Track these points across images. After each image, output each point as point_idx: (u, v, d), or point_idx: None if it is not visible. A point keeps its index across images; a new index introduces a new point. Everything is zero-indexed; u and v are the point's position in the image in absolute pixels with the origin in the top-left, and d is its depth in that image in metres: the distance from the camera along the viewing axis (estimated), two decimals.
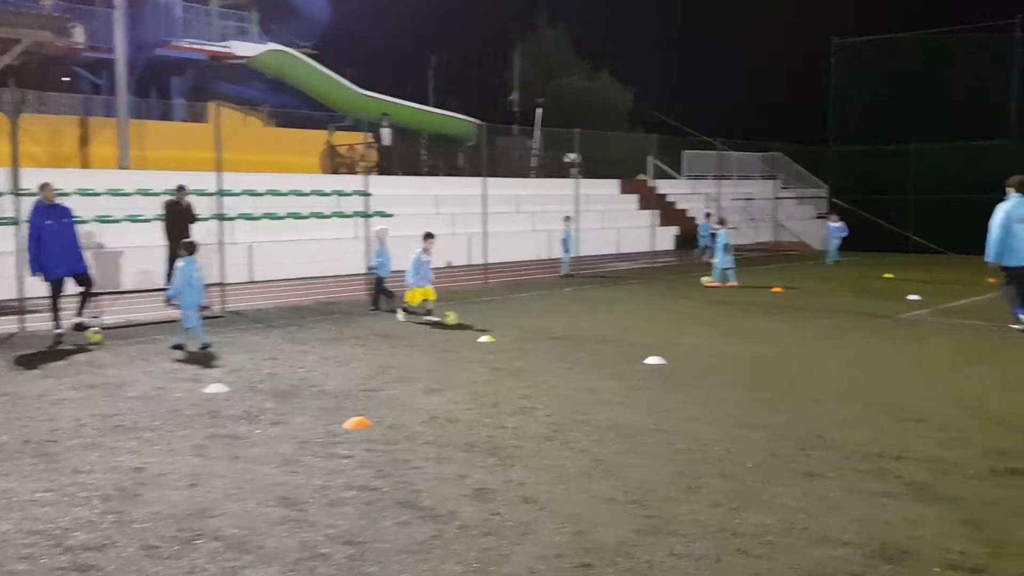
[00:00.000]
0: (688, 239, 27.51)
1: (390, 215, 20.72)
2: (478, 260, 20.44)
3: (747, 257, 25.34)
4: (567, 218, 20.75)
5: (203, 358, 9.93)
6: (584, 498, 5.32)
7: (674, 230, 28.48)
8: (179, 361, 9.83)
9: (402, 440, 6.58)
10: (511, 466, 5.95)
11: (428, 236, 13.14)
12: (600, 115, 33.99)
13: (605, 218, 26.80)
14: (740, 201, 31.60)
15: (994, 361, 9.69)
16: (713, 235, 19.79)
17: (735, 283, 17.41)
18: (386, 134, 23.71)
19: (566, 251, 20.11)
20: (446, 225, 21.65)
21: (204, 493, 5.47)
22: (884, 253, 25.86)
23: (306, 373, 9.09)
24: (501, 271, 19.73)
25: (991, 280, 17.39)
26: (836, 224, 24.56)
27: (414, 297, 12.93)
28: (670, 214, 29.24)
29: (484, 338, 11.01)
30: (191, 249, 10.53)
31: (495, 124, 31.59)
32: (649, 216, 28.21)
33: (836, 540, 4.65)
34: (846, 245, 24.34)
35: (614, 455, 6.19)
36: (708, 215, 25.28)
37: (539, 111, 31.42)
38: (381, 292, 14.06)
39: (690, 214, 29.64)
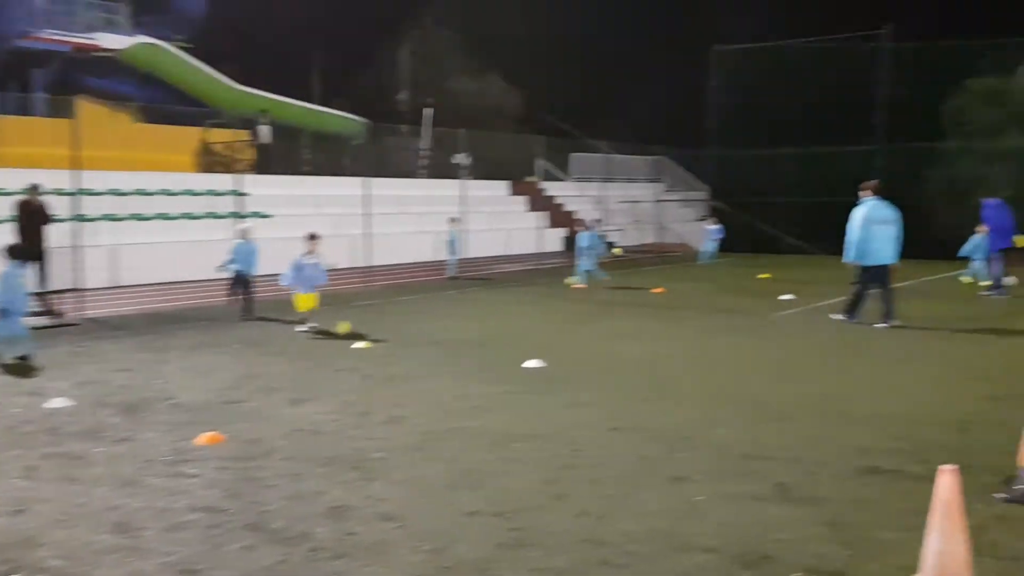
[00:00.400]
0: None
1: (268, 216, 20.03)
2: (362, 263, 19.98)
3: (631, 259, 25.70)
4: (453, 219, 20.49)
5: (48, 370, 9.19)
6: (447, 512, 5.07)
7: (562, 232, 28.59)
8: (18, 374, 9.06)
9: (258, 456, 6.18)
10: (372, 480, 5.64)
11: (311, 237, 12.40)
12: (489, 116, 33.85)
13: (493, 219, 26.66)
14: (625, 204, 32.04)
15: (860, 359, 9.95)
16: (611, 243, 20.05)
17: (606, 278, 17.86)
18: (265, 131, 22.88)
19: (452, 253, 19.86)
20: (329, 226, 21.00)
21: (29, 520, 4.96)
22: (761, 254, 26.64)
23: (162, 385, 8.52)
24: (385, 274, 19.30)
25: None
26: (713, 227, 25.37)
27: (304, 303, 12.05)
28: (558, 216, 29.36)
29: (359, 344, 10.63)
30: (18, 254, 9.71)
31: (383, 123, 31.12)
32: (537, 218, 28.31)
33: (698, 547, 4.55)
34: (725, 246, 25.04)
35: (482, 464, 5.96)
36: (598, 221, 25.42)
37: (427, 111, 31.01)
38: (240, 295, 13.30)
39: (577, 216, 29.84)
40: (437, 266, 21.27)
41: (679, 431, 6.76)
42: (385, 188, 25.74)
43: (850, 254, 11.91)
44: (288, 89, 29.40)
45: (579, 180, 32.81)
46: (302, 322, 11.92)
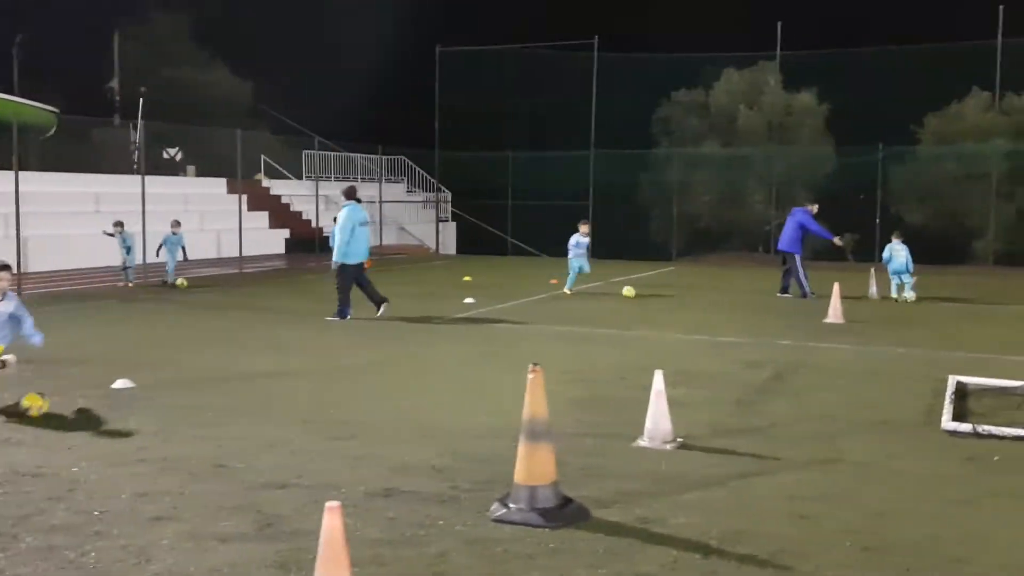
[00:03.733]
0: (302, 242, 26.64)
1: None
2: (32, 267, 17.94)
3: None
4: (175, 223, 18.74)
5: None
6: None
7: (284, 233, 27.41)
8: None
9: None
10: None
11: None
12: (217, 109, 31.90)
13: (206, 219, 25.03)
14: (364, 204, 31.34)
15: (486, 366, 9.80)
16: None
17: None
18: None
19: (130, 257, 18.13)
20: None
21: None
22: (487, 256, 26.91)
23: None
24: (51, 280, 17.40)
25: (553, 281, 18.50)
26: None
27: None
28: (281, 216, 28.11)
29: None
30: None
31: (90, 116, 28.42)
32: (256, 218, 26.88)
33: None
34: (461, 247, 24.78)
35: None
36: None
37: (141, 100, 28.69)
38: None
39: (306, 216, 28.75)
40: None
41: (216, 458, 6.10)
42: (78, 185, 23.51)
43: (337, 255, 12.71)
44: None
45: (312, 179, 31.71)
46: None
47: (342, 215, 12.82)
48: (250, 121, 34.45)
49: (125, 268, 17.98)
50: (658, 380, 6.51)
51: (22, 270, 16.39)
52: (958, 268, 23.20)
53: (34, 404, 7.14)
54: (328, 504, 3.57)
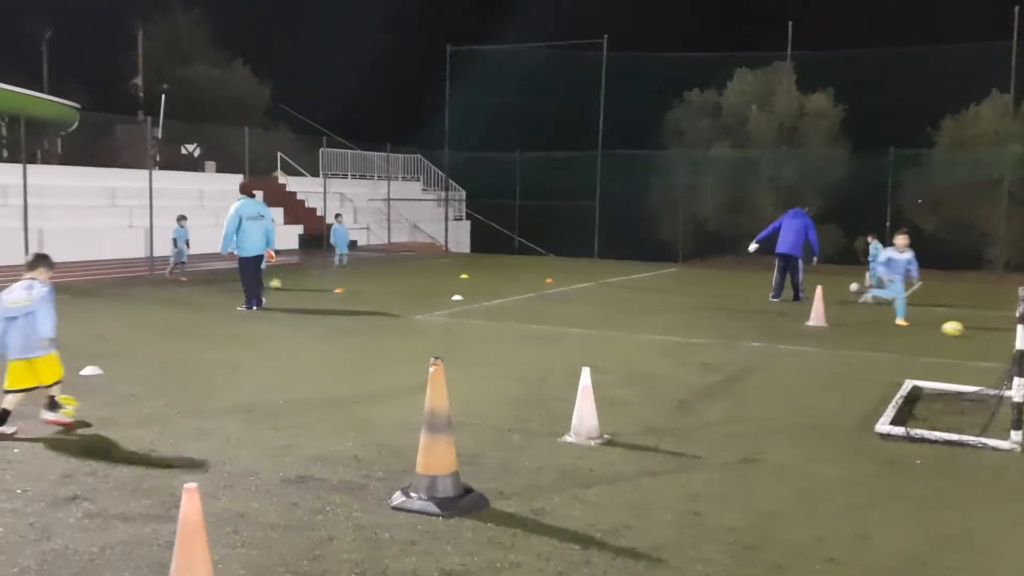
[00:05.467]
0: (315, 237, 26.98)
1: None
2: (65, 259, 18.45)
3: (359, 258, 25.30)
4: (181, 217, 19.15)
5: None
6: None
7: (298, 228, 27.79)
8: None
9: None
10: None
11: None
12: (233, 108, 32.43)
13: (221, 215, 25.42)
14: (377, 202, 31.64)
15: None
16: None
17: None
18: None
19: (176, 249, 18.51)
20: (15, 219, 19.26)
21: None
22: (497, 255, 27.08)
23: None
24: (59, 271, 17.81)
25: (549, 280, 18.61)
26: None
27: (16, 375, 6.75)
28: (295, 212, 28.51)
29: None
30: None
31: (111, 112, 29.02)
32: (272, 214, 27.23)
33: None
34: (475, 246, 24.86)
35: None
36: (338, 216, 24.74)
37: (163, 96, 29.29)
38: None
39: (320, 212, 29.11)
40: (145, 264, 19.97)
41: (148, 444, 6.33)
42: (94, 179, 24.03)
43: (225, 247, 13.48)
44: (14, 70, 26.86)
45: (328, 177, 32.10)
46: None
47: (231, 208, 13.50)
48: (267, 120, 35.03)
49: (181, 262, 18.34)
50: (585, 377, 6.61)
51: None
52: (967, 274, 22.93)
53: (69, 404, 6.85)
54: (186, 486, 3.74)
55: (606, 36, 26.69)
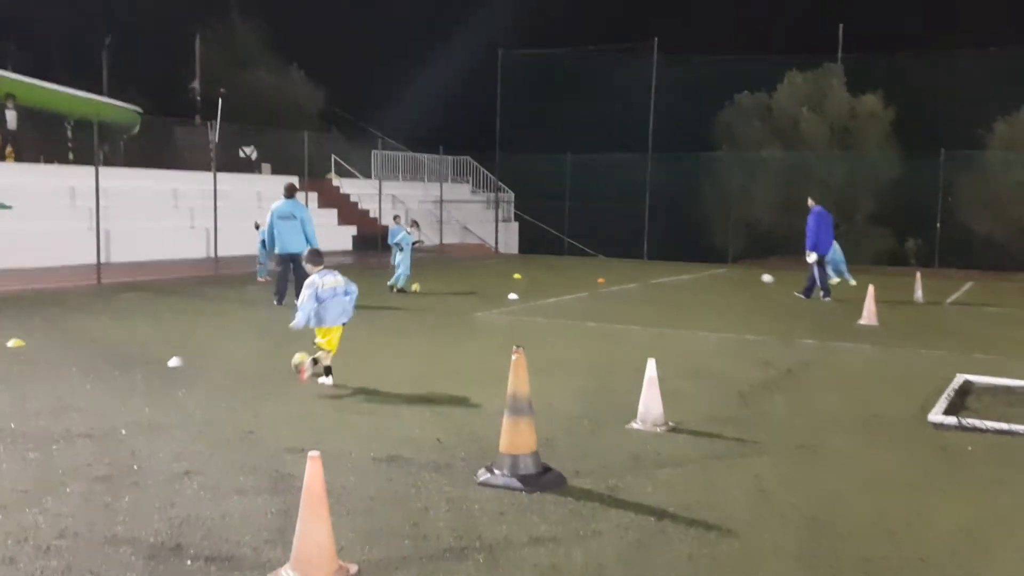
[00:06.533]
0: (368, 238, 27.63)
1: (8, 207, 18.98)
2: (114, 258, 19.31)
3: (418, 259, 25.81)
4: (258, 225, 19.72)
5: None
6: None
7: (352, 229, 28.47)
8: None
9: None
10: None
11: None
12: (289, 112, 33.28)
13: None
14: (428, 204, 32.25)
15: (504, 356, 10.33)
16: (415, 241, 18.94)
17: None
18: (11, 117, 21.62)
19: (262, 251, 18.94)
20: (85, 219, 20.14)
21: None
22: (546, 255, 27.48)
23: None
24: (130, 272, 18.63)
25: (600, 280, 18.96)
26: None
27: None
28: (349, 213, 29.20)
29: (11, 342, 10.18)
30: None
31: (174, 114, 30.00)
32: (326, 215, 27.99)
33: (125, 539, 4.62)
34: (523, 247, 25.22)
35: None
36: (396, 217, 25.29)
37: (220, 100, 30.18)
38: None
39: (373, 214, 29.77)
40: (208, 264, 20.72)
41: (246, 427, 6.85)
42: (157, 181, 24.87)
43: (269, 246, 14.32)
44: (75, 75, 27.93)
45: (381, 179, 32.80)
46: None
47: (271, 209, 14.06)
48: (321, 123, 35.84)
49: (261, 263, 18.85)
50: (651, 367, 7.00)
51: (102, 260, 17.67)
52: (1020, 275, 22.79)
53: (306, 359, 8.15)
54: (310, 453, 4.22)
55: (656, 39, 27.00)
